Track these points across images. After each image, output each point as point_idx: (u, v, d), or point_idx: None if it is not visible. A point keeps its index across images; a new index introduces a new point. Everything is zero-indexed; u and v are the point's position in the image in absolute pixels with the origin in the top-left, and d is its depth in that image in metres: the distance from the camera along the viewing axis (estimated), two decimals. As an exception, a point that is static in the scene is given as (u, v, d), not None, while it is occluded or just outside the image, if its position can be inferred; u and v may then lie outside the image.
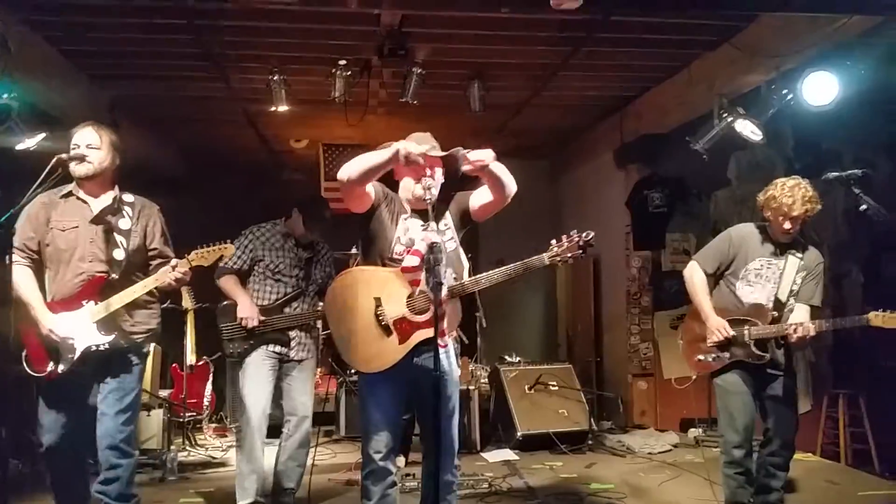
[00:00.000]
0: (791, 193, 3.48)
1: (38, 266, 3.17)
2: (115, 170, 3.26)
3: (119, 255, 3.16)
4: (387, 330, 2.92)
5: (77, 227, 3.15)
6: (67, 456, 3.17)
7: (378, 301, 2.92)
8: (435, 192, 2.98)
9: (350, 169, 2.81)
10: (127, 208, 3.24)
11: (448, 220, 3.09)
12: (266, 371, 3.96)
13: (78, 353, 3.08)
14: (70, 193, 3.19)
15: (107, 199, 3.23)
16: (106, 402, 3.13)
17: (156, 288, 3.20)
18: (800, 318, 3.52)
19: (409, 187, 3.05)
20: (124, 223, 3.21)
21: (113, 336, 3.11)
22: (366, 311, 2.93)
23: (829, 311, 4.99)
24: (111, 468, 3.10)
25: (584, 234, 2.94)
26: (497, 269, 2.97)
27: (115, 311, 3.12)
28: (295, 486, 4.08)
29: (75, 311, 3.09)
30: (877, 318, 3.36)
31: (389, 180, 3.15)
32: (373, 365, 2.95)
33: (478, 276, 3.02)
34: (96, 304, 3.10)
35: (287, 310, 4.02)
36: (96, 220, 3.18)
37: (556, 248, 2.96)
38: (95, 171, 3.16)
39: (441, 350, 2.86)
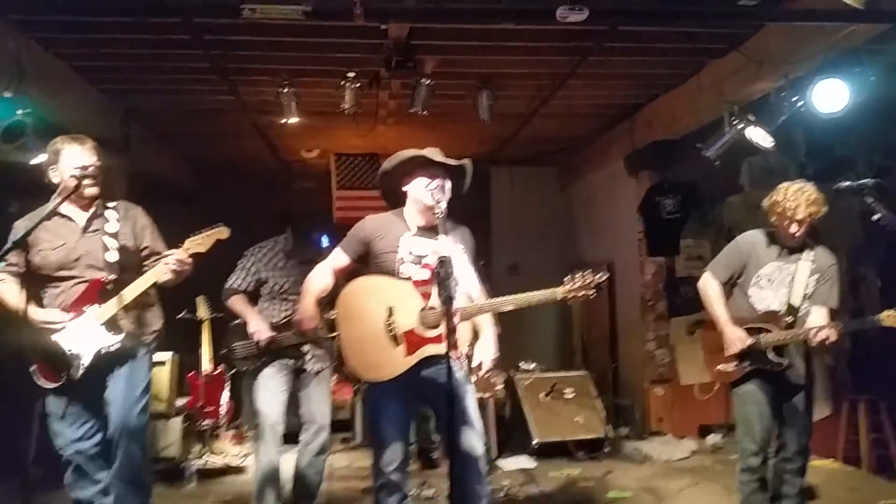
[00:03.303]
0: (795, 197, 3.47)
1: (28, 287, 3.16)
2: None
3: (112, 257, 3.18)
4: (395, 340, 2.92)
5: (66, 243, 3.17)
6: (90, 464, 3.19)
7: (391, 311, 2.93)
8: (444, 206, 3.00)
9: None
10: (111, 213, 3.27)
11: (458, 243, 3.11)
12: (280, 381, 3.98)
13: (90, 357, 3.08)
14: (53, 212, 3.16)
15: (90, 208, 3.26)
16: (115, 393, 3.16)
17: (161, 284, 3.20)
18: (819, 321, 3.49)
19: (419, 197, 3.05)
20: (111, 227, 3.23)
21: (122, 336, 3.13)
22: (377, 318, 2.94)
23: (847, 315, 4.94)
24: (123, 454, 3.12)
25: (597, 276, 2.95)
26: (508, 298, 3.00)
27: (118, 314, 3.13)
28: (314, 494, 4.10)
29: (78, 317, 3.10)
30: (889, 317, 3.33)
31: (397, 189, 3.18)
32: (375, 373, 2.96)
33: (487, 301, 3.06)
34: (98, 306, 3.11)
35: None
36: (85, 230, 3.21)
37: (569, 286, 2.95)
38: (101, 191, 3.23)
39: (442, 364, 2.88)
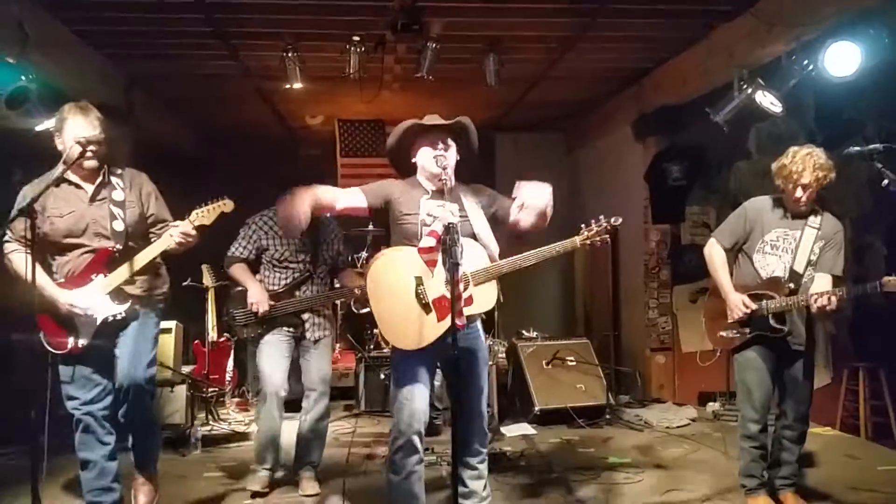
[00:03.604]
0: (802, 161, 3.44)
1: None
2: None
3: (119, 226, 3.23)
4: (427, 308, 2.97)
5: (74, 210, 3.20)
6: (99, 425, 3.27)
7: (419, 280, 2.97)
8: (450, 170, 3.03)
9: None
10: (117, 180, 3.30)
11: (474, 203, 3.12)
12: (282, 348, 4.03)
13: (97, 325, 3.18)
14: (62, 179, 3.18)
15: (97, 177, 3.27)
16: (123, 349, 3.23)
17: (164, 252, 3.25)
18: (821, 288, 3.48)
19: (426, 166, 3.09)
20: (118, 195, 3.27)
21: (127, 304, 3.22)
22: (407, 289, 2.98)
23: (852, 283, 4.93)
24: (132, 401, 3.20)
25: (612, 220, 2.99)
26: (528, 253, 3.03)
27: (126, 280, 3.21)
28: (316, 459, 4.16)
29: (85, 286, 3.18)
30: (890, 282, 3.30)
31: (407, 161, 3.19)
32: (412, 342, 2.99)
33: (507, 259, 3.07)
34: (105, 276, 3.18)
35: (297, 293, 4.07)
36: (92, 199, 3.24)
37: (586, 232, 3.00)
38: (101, 162, 3.24)
39: (471, 330, 3.03)
